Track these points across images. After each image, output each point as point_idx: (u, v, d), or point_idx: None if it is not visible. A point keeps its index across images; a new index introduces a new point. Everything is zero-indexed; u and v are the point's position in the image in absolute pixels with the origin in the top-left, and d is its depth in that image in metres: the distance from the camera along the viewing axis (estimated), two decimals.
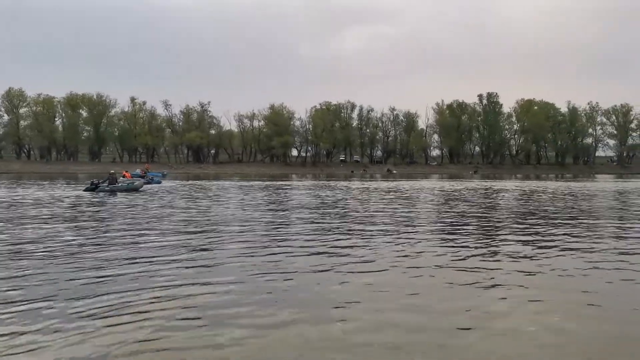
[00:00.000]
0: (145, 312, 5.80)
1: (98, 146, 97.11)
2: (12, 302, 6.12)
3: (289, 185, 40.02)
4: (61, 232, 12.06)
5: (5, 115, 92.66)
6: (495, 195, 28.55)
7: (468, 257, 9.22)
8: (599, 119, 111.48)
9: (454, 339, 5.05)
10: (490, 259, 9.12)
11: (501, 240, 11.31)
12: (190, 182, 45.33)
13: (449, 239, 11.43)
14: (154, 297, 6.37)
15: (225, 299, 6.37)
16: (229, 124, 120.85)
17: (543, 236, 11.88)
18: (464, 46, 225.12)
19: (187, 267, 8.16)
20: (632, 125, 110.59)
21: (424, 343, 4.94)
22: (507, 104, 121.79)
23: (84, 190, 27.68)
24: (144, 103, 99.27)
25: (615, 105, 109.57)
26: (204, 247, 10.14)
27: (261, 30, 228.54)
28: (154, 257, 8.97)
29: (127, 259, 8.79)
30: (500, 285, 7.17)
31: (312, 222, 14.47)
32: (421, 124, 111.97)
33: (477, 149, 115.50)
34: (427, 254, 9.51)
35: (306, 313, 5.80)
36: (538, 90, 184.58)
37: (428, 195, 27.78)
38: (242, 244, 10.55)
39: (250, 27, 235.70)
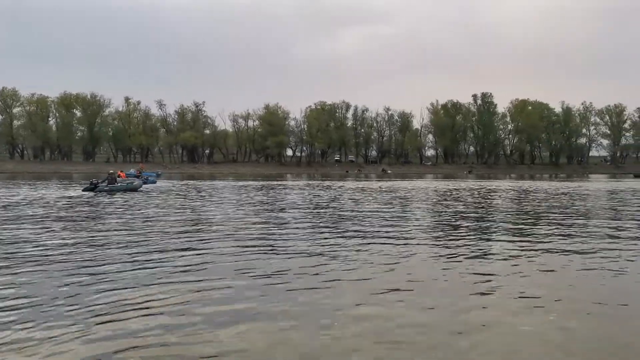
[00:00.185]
0: (145, 308, 5.83)
1: (92, 146, 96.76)
2: (11, 302, 6.09)
3: (283, 185, 40.01)
4: (60, 232, 12.00)
5: None
6: (489, 195, 28.66)
7: (464, 257, 9.24)
8: (592, 119, 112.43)
9: (454, 339, 5.06)
10: (486, 259, 9.16)
11: (497, 240, 11.35)
12: (184, 182, 45.23)
13: (444, 239, 11.47)
14: (151, 296, 6.36)
15: (221, 297, 6.37)
16: (224, 124, 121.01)
17: (538, 236, 11.95)
18: (460, 46, 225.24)
19: (182, 267, 8.14)
20: (626, 126, 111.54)
21: (423, 343, 4.94)
22: (502, 104, 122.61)
23: (83, 190, 27.55)
24: (139, 103, 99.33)
25: (609, 105, 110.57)
26: (199, 246, 10.12)
27: (256, 30, 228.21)
28: (150, 256, 8.95)
29: (124, 258, 8.77)
30: (497, 285, 7.18)
31: (307, 222, 14.47)
32: (416, 124, 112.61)
33: (472, 149, 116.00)
34: (423, 254, 9.53)
35: (302, 313, 5.80)
36: (533, 90, 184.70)
37: (422, 195, 27.85)
38: (237, 242, 10.57)
39: (246, 27, 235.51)
